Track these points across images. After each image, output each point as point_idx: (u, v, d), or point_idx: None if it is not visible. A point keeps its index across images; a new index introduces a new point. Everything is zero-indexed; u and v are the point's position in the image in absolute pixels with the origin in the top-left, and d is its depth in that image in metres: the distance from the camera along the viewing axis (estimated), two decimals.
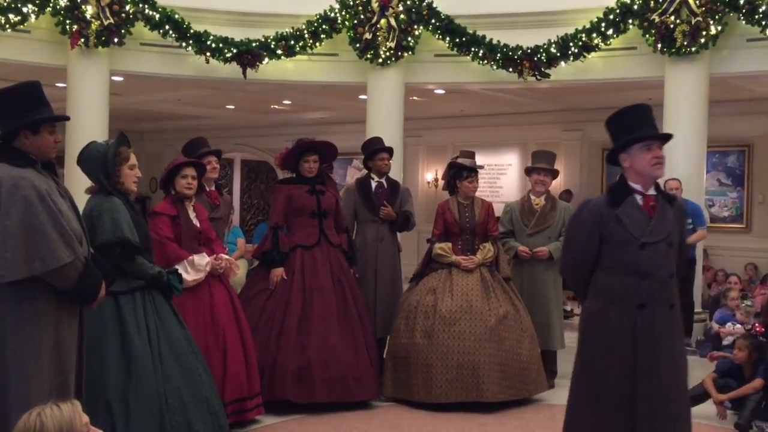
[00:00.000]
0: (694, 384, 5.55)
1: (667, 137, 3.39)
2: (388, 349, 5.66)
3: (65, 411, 2.21)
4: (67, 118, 3.55)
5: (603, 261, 3.32)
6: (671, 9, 7.80)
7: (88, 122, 8.29)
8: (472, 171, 5.81)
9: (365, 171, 6.37)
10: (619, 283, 3.28)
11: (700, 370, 6.58)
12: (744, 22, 7.69)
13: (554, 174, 6.43)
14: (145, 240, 3.89)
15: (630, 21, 8.09)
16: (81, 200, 3.80)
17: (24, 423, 2.19)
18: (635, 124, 3.33)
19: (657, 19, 7.86)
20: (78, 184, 4.11)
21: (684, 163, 8.01)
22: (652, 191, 3.37)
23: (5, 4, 7.96)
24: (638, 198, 3.35)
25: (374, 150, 6.20)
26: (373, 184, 6.18)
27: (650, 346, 3.24)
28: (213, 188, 5.56)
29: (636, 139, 3.29)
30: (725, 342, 7.29)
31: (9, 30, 8.07)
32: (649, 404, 3.22)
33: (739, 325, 7.40)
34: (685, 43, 7.77)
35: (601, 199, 3.39)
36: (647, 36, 7.99)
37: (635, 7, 8.00)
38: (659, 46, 7.92)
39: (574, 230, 3.44)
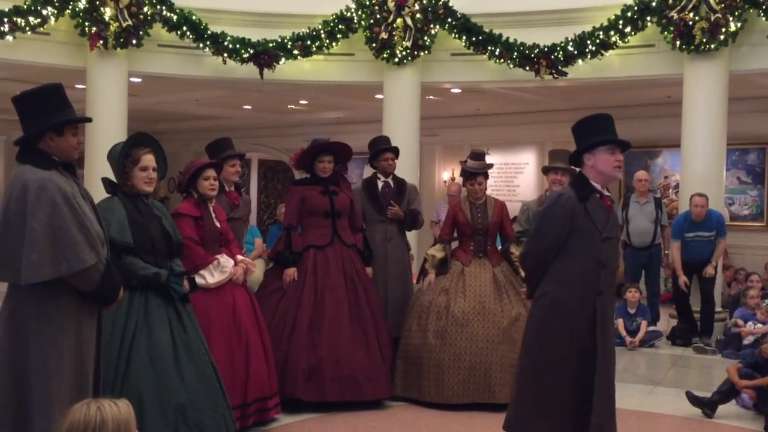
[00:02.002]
0: (719, 383, 5.52)
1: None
2: (399, 349, 5.64)
3: (122, 409, 2.13)
4: (90, 120, 3.58)
5: (568, 250, 3.63)
6: (690, 6, 7.74)
7: (107, 123, 8.35)
8: (474, 174, 5.76)
9: None
10: (583, 271, 3.62)
11: (720, 370, 6.54)
12: (764, 18, 7.61)
13: (572, 173, 6.39)
14: (147, 241, 3.85)
15: (648, 18, 8.04)
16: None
17: (83, 415, 2.08)
18: (602, 130, 3.69)
19: (675, 16, 7.80)
20: (98, 185, 4.14)
21: (703, 161, 7.95)
22: (606, 192, 3.74)
23: (25, 6, 8.05)
24: (597, 196, 3.69)
25: (378, 150, 6.17)
26: (380, 184, 6.15)
27: (604, 328, 3.64)
28: (232, 189, 5.59)
29: (604, 141, 3.65)
30: (746, 341, 7.24)
31: (29, 32, 8.16)
32: (604, 377, 3.60)
33: (760, 325, 7.33)
34: (704, 40, 7.70)
35: (572, 193, 3.67)
36: (666, 33, 7.94)
37: (653, 4, 7.94)
38: (678, 43, 7.86)
39: (549, 220, 3.68)
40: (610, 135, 3.68)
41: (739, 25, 7.65)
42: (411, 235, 6.79)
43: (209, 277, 4.44)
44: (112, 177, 3.97)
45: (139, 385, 3.75)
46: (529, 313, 3.85)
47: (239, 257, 4.91)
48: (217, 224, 4.77)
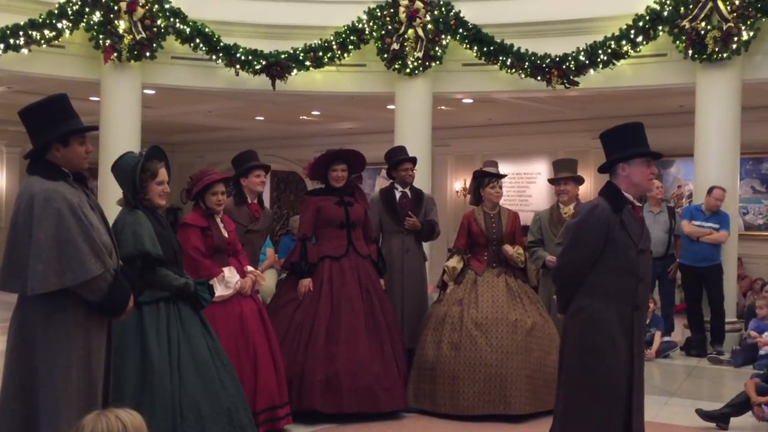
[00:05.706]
0: (733, 393, 5.46)
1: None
2: (414, 360, 5.61)
3: (136, 416, 2.13)
4: (96, 128, 3.59)
5: (605, 263, 3.50)
6: (702, 15, 7.71)
7: (121, 135, 8.44)
8: (495, 177, 5.75)
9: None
10: (619, 284, 3.50)
11: (735, 381, 6.47)
12: None
13: (578, 180, 6.32)
14: (171, 252, 3.90)
15: (660, 27, 8.02)
16: (114, 211, 3.86)
17: (105, 426, 2.05)
18: (636, 140, 3.59)
19: (687, 26, 7.78)
20: (112, 196, 4.16)
21: (717, 171, 7.91)
22: (637, 203, 3.66)
23: (40, 20, 8.14)
24: (630, 207, 3.60)
25: (397, 160, 6.16)
26: (398, 195, 6.13)
27: (639, 342, 3.59)
28: (254, 201, 5.56)
29: (641, 153, 3.56)
30: (762, 352, 7.16)
31: (44, 45, 8.27)
32: (639, 390, 3.60)
33: None
34: (717, 49, 7.67)
35: (606, 204, 3.55)
36: (678, 42, 7.91)
37: (665, 13, 7.93)
38: (690, 52, 7.83)
39: (585, 231, 3.55)
40: (645, 146, 3.59)
41: (751, 33, 7.62)
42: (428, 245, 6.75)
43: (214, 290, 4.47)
44: None
45: (195, 392, 3.83)
46: (564, 329, 3.67)
47: (248, 268, 4.91)
48: (225, 234, 4.78)
